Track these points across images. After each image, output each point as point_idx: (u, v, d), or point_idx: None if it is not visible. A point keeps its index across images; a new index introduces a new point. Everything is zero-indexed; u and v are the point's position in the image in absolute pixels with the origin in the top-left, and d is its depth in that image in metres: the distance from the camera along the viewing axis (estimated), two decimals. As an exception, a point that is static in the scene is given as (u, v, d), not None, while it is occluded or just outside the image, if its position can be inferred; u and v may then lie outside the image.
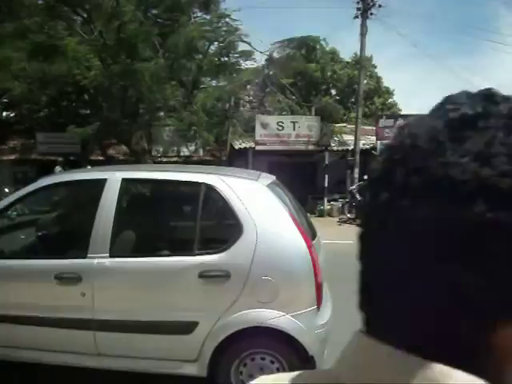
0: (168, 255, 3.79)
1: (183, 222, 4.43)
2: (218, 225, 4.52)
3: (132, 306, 3.65)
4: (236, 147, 18.18)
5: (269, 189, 3.72)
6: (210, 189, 3.70)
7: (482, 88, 0.48)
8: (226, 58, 18.92)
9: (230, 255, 3.50)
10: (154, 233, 4.37)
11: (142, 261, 3.72)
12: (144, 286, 3.67)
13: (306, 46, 23.00)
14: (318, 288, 3.50)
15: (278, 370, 3.52)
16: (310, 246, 3.50)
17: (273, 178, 4.29)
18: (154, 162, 16.38)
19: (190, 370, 3.60)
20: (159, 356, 3.70)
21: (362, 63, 19.50)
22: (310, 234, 3.99)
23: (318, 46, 26.96)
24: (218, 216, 4.51)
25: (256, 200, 3.64)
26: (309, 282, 3.47)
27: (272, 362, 3.54)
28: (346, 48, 71.61)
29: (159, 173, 4.22)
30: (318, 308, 3.55)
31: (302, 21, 56.96)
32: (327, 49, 34.30)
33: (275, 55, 19.96)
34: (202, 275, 3.47)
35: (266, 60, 19.91)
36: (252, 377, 3.51)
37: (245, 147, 18.02)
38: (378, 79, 39.54)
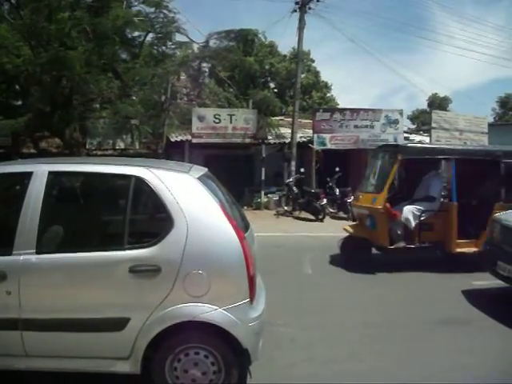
0: (97, 250, 3.66)
1: (113, 215, 4.30)
2: (149, 218, 4.44)
3: (61, 303, 3.53)
4: (172, 140, 18.00)
5: (200, 181, 3.68)
6: (139, 181, 3.61)
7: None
8: (164, 48, 18.74)
9: (161, 249, 3.44)
10: (83, 227, 4.21)
11: (70, 256, 3.58)
12: (73, 282, 3.56)
13: (244, 39, 22.97)
14: (251, 280, 3.50)
15: (212, 365, 3.51)
16: (242, 239, 3.49)
17: (205, 170, 4.25)
18: (89, 155, 16.00)
19: (123, 367, 3.53)
20: (91, 354, 3.60)
21: (299, 57, 19.71)
22: (242, 226, 3.98)
23: (256, 40, 26.94)
24: (148, 209, 4.42)
25: (186, 192, 3.58)
26: (241, 274, 3.46)
27: (206, 357, 3.51)
28: (285, 42, 72.28)
29: (87, 165, 4.08)
30: (252, 300, 3.55)
31: (242, 13, 57.20)
32: (266, 42, 34.50)
33: (212, 45, 19.83)
34: (132, 270, 3.40)
35: (201, 47, 19.72)
36: (187, 372, 3.51)
37: (181, 140, 17.89)
38: (317, 73, 40.15)
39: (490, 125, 21.99)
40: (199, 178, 3.73)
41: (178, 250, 3.40)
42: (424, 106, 48.78)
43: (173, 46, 19.10)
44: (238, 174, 17.73)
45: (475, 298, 6.98)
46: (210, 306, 3.40)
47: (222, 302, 3.42)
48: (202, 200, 3.57)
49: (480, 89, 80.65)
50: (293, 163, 17.36)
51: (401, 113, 18.84)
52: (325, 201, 14.76)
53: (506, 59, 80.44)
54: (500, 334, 5.60)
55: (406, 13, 69.57)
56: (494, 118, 49.98)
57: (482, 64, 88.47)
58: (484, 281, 7.40)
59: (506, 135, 21.95)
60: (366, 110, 18.43)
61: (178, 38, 18.95)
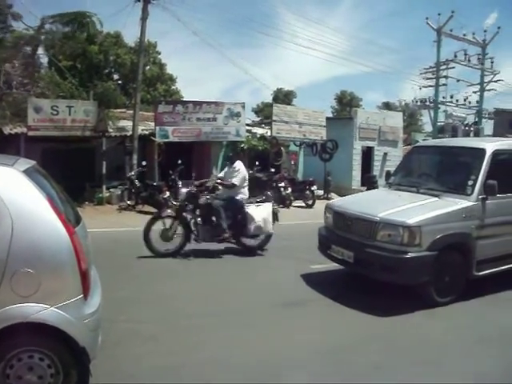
0: None
1: None
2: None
3: None
4: (6, 133, 16.64)
5: (26, 175, 3.47)
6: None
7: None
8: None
9: (-17, 248, 3.20)
10: None
11: None
12: None
13: (80, 23, 21.80)
14: (84, 276, 3.40)
15: (49, 368, 3.36)
16: (71, 234, 3.37)
17: (32, 163, 4.00)
18: None
19: None
20: None
21: (141, 48, 19.24)
22: (73, 220, 3.84)
23: (92, 26, 25.70)
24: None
25: (11, 187, 3.36)
26: (72, 270, 3.35)
27: (41, 360, 3.34)
28: (132, 32, 70.46)
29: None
30: (86, 297, 3.45)
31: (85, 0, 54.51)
32: (112, 32, 33.36)
33: (48, 30, 18.65)
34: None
35: (35, 31, 18.48)
36: (21, 378, 3.32)
37: (16, 133, 16.57)
38: (162, 66, 39.81)
39: (328, 118, 23.45)
40: (25, 172, 3.51)
41: (3, 248, 3.18)
42: (270, 99, 50.64)
43: (4, 30, 17.68)
44: (78, 168, 17.00)
45: (313, 280, 7.47)
46: (41, 305, 3.23)
47: (54, 300, 3.28)
48: (28, 195, 3.37)
49: (322, 84, 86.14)
50: (135, 156, 17.01)
51: (243, 106, 19.35)
52: (167, 193, 14.68)
53: (343, 58, 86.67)
54: (336, 312, 6.13)
55: (252, 9, 71.85)
56: (333, 112, 53.64)
57: (323, 62, 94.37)
58: (321, 264, 7.94)
59: (342, 128, 23.79)
60: (208, 103, 18.65)
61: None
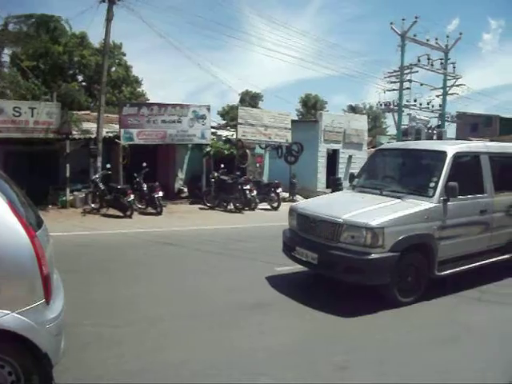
0: None
1: None
2: None
3: None
4: (-37, 135, 16.24)
5: (-16, 178, 3.40)
6: None
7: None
8: None
9: None
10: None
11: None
12: None
13: (46, 25, 21.45)
14: (45, 280, 3.35)
15: (9, 375, 3.29)
16: (32, 237, 3.31)
17: (-9, 165, 3.94)
18: None
19: None
20: None
21: (106, 49, 18.97)
22: (34, 224, 3.78)
23: (58, 27, 25.34)
24: None
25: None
26: (34, 275, 3.29)
27: (2, 367, 3.27)
28: (98, 34, 69.52)
29: None
30: (47, 301, 3.40)
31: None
32: (77, 33, 32.82)
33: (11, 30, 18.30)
34: None
35: None
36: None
37: (-25, 135, 16.19)
38: (128, 68, 39.42)
39: (294, 121, 23.57)
40: (-16, 175, 3.45)
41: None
42: (236, 102, 50.66)
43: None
44: (41, 171, 16.74)
45: (277, 282, 7.52)
46: (1, 311, 3.16)
47: (15, 305, 3.21)
48: (-14, 198, 3.31)
49: (289, 87, 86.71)
50: (99, 159, 16.80)
51: (208, 108, 19.26)
52: (132, 197, 14.60)
53: (309, 62, 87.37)
54: (301, 313, 6.18)
55: (219, 12, 71.76)
56: (298, 115, 53.96)
57: (289, 65, 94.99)
58: (286, 266, 8.00)
59: (307, 131, 23.96)
60: (173, 106, 18.51)
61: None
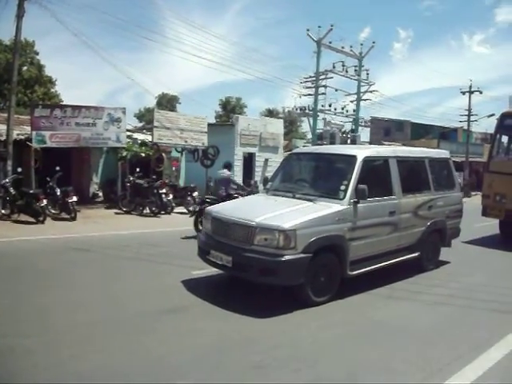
0: None
1: None
2: None
3: None
4: None
5: None
6: None
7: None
8: None
9: None
10: None
11: None
12: None
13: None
14: None
15: None
16: None
17: None
18: None
19: None
20: None
21: (17, 46, 18.23)
22: None
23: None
24: None
25: None
26: None
27: None
28: (8, 30, 66.56)
29: None
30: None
31: None
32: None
33: None
34: None
35: None
36: None
37: None
38: (41, 67, 38.21)
39: (210, 125, 23.78)
40: None
41: None
42: (154, 104, 50.22)
43: None
44: None
45: (194, 286, 7.64)
46: None
47: None
48: None
49: (207, 90, 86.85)
50: (9, 162, 16.25)
51: (124, 111, 19.05)
52: (45, 202, 14.30)
53: (227, 66, 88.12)
54: (218, 315, 6.34)
55: (137, 14, 70.60)
56: (217, 118, 54.27)
57: (207, 68, 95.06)
58: (202, 270, 8.15)
59: (223, 135, 24.31)
60: (87, 108, 18.21)
61: None
